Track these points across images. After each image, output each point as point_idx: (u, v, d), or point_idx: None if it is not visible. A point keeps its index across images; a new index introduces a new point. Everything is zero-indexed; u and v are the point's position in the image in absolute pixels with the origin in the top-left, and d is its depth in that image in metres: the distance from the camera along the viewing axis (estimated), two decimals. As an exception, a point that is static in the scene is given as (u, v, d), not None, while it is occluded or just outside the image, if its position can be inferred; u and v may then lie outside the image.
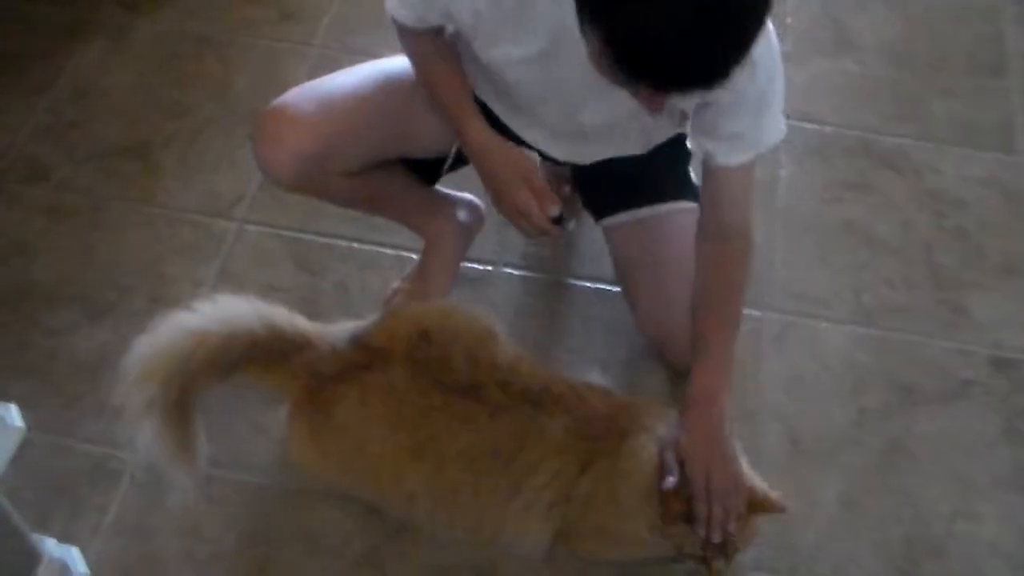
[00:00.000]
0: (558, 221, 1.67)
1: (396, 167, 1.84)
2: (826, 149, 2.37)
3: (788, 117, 1.61)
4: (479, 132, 1.65)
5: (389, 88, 1.77)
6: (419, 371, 1.61)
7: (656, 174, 1.85)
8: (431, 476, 1.63)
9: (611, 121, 1.64)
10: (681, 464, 1.53)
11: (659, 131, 1.75)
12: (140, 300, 2.06)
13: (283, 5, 2.62)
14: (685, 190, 1.86)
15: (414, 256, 2.10)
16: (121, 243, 2.16)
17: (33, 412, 1.89)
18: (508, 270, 2.13)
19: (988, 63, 2.57)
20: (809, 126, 2.40)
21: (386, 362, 1.62)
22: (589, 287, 2.11)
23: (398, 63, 1.78)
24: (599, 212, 1.92)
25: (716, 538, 1.52)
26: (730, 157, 1.58)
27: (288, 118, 1.70)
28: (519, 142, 1.75)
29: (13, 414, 1.86)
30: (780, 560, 1.76)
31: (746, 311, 2.03)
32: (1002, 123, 2.44)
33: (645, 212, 1.84)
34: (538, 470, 1.59)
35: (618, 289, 1.96)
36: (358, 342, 1.65)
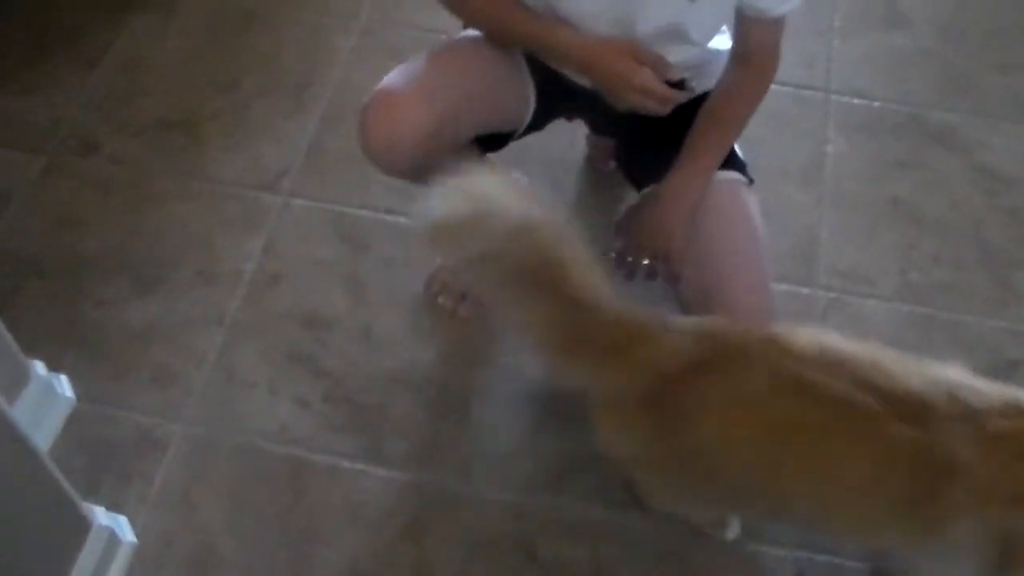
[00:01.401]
0: (679, 85, 1.67)
1: (473, 145, 1.84)
2: (875, 125, 2.34)
3: (836, 92, 1.59)
4: (570, 36, 1.66)
5: (479, 57, 1.77)
6: (780, 375, 1.40)
7: None
8: (815, 487, 1.43)
9: (666, 26, 1.64)
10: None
11: (711, 22, 1.72)
12: (187, 273, 2.08)
13: (329, -21, 2.63)
14: (730, 160, 1.83)
15: (458, 231, 2.10)
16: (169, 216, 2.18)
17: (82, 382, 1.92)
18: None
19: (1042, 37, 2.53)
20: (858, 101, 2.37)
21: (744, 366, 1.42)
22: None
23: (478, 33, 1.79)
24: (641, 181, 1.88)
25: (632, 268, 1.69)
26: (781, 5, 1.63)
27: (397, 101, 1.68)
28: (573, 87, 1.76)
29: (64, 385, 1.89)
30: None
31: (791, 287, 2.04)
32: (1056, 99, 2.40)
33: None
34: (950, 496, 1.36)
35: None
36: (705, 338, 1.45)
